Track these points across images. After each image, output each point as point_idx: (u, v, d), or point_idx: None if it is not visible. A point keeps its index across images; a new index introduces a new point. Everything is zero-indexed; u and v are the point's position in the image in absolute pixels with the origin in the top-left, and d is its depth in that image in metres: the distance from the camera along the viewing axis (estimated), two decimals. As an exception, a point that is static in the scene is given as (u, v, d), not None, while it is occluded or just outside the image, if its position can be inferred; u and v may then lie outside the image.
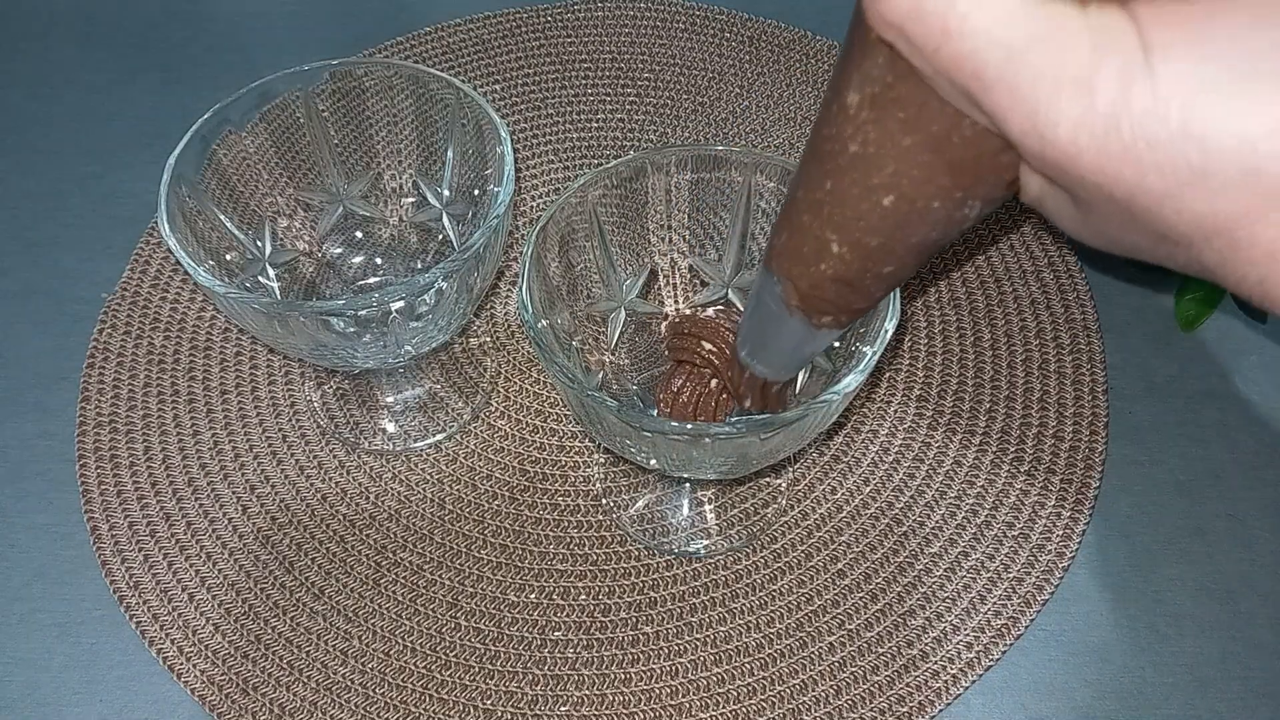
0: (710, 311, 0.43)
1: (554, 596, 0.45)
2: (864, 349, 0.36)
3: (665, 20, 0.66)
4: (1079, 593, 0.45)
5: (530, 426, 0.50)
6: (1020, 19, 0.18)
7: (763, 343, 0.33)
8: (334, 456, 0.49)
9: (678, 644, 0.43)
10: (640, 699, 0.42)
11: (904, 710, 0.41)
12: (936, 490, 0.47)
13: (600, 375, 0.42)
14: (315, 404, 0.50)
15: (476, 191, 0.45)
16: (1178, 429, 0.49)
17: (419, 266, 0.48)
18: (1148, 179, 0.18)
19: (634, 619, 0.44)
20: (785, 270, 0.29)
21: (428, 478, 0.48)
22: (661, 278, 0.44)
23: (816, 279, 0.28)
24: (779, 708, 0.42)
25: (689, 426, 0.33)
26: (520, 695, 0.42)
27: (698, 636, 0.43)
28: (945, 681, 0.42)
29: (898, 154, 0.23)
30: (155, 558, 0.46)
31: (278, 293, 0.45)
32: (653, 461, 0.36)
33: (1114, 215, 0.20)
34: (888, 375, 0.51)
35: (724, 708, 0.42)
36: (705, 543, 0.46)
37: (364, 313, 0.38)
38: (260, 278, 0.45)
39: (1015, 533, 0.46)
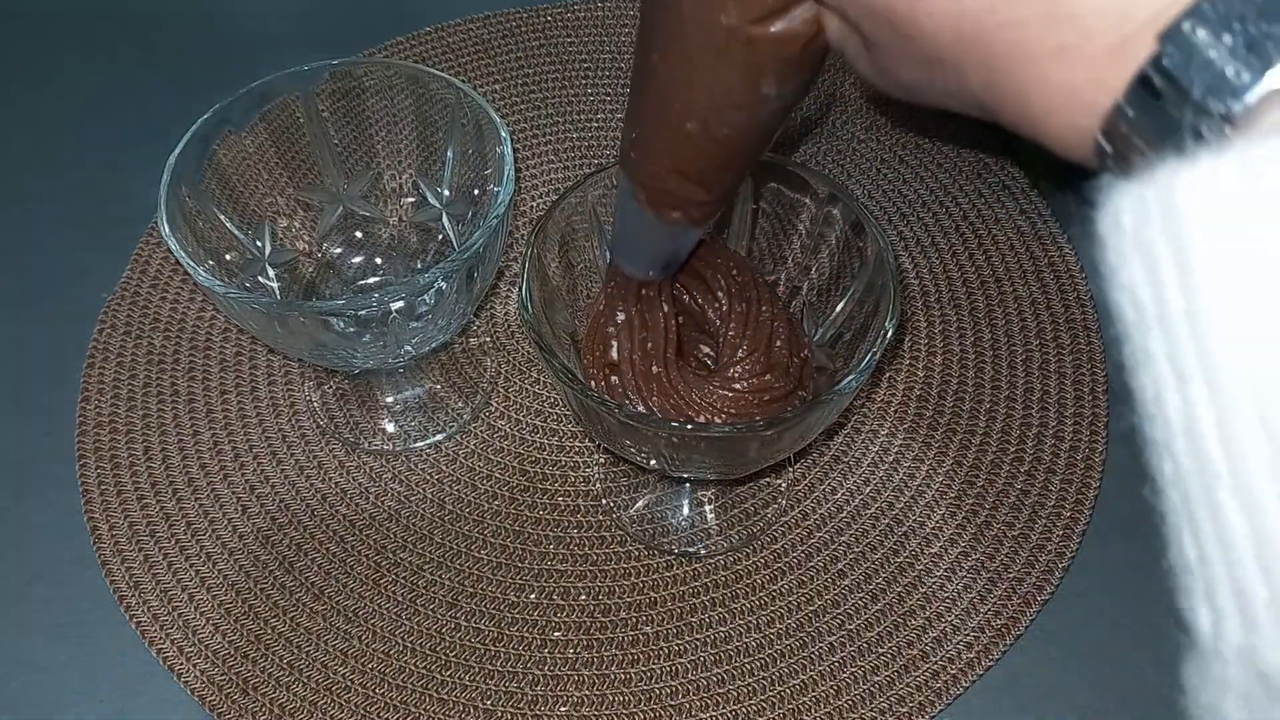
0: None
1: (554, 596, 0.45)
2: (864, 349, 0.36)
3: (665, 20, 0.66)
4: (1079, 593, 0.44)
5: (530, 426, 0.50)
6: None
7: (627, 241, 0.35)
8: (334, 456, 0.49)
9: (678, 644, 0.43)
10: (640, 699, 0.42)
11: (904, 710, 0.41)
12: (936, 490, 0.47)
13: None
14: (315, 404, 0.50)
15: (476, 191, 0.45)
16: (1178, 429, 0.49)
17: (419, 266, 0.48)
18: None
19: (634, 619, 0.44)
20: (628, 168, 0.31)
21: (428, 478, 0.48)
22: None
23: (654, 173, 0.30)
24: (779, 708, 0.42)
25: (689, 426, 0.33)
26: (520, 695, 0.42)
27: (698, 636, 0.43)
28: (945, 681, 0.42)
29: (684, 66, 0.26)
30: (155, 558, 0.46)
31: (278, 293, 0.45)
32: (653, 462, 0.36)
33: (887, 42, 0.22)
34: (888, 375, 0.51)
35: (724, 708, 0.42)
36: (705, 543, 0.46)
37: (364, 313, 0.38)
38: (260, 278, 0.45)
39: (1015, 533, 0.46)
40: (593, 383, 0.38)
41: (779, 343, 0.38)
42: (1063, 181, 0.55)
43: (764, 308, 0.38)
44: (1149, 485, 0.19)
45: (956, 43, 0.21)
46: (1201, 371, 0.18)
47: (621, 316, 0.38)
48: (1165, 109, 0.18)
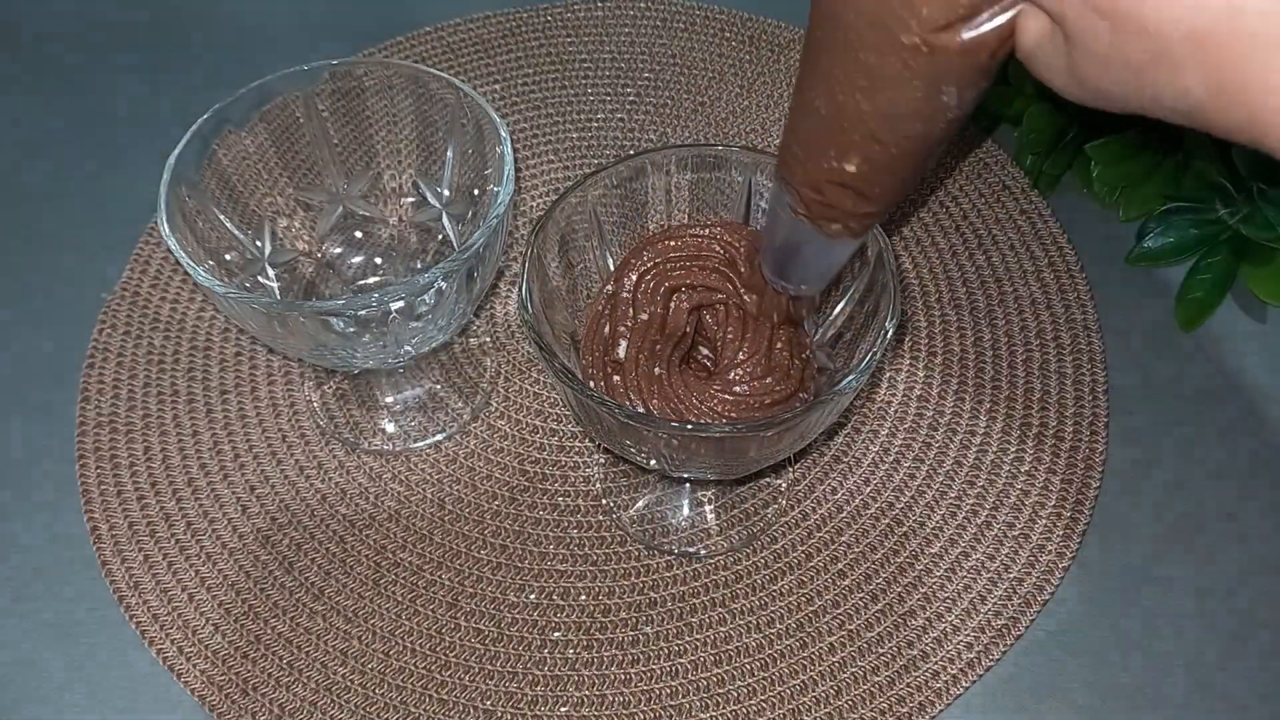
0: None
1: (554, 596, 0.45)
2: (864, 349, 0.36)
3: (665, 20, 0.66)
4: (1079, 593, 0.44)
5: (530, 426, 0.50)
6: None
7: (782, 256, 0.33)
8: (334, 457, 0.49)
9: (678, 644, 0.43)
10: (640, 699, 0.42)
11: (904, 710, 0.41)
12: (937, 490, 0.47)
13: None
14: (315, 404, 0.50)
15: (476, 191, 0.45)
16: (1178, 429, 0.49)
17: (419, 266, 0.48)
18: None
19: (634, 619, 0.44)
20: (789, 177, 0.29)
21: (428, 478, 0.48)
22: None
23: (815, 185, 0.28)
24: (779, 708, 0.42)
25: (689, 426, 0.33)
26: (520, 695, 0.42)
27: (698, 636, 0.43)
28: (946, 682, 0.42)
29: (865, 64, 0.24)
30: (155, 558, 0.46)
31: (277, 293, 0.45)
32: (653, 462, 0.36)
33: (1099, 43, 0.21)
34: (888, 375, 0.51)
35: (724, 708, 0.42)
36: (705, 543, 0.46)
37: (364, 313, 0.38)
38: (260, 278, 0.45)
39: (1015, 533, 0.46)
40: (591, 383, 0.38)
41: (779, 345, 0.38)
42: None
43: None
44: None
45: (1188, 38, 0.19)
46: None
47: (644, 316, 0.37)
48: None
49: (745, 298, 0.38)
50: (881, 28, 0.23)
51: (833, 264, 0.33)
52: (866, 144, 0.26)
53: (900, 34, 0.23)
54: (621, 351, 0.37)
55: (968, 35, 0.23)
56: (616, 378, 0.37)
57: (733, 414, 0.36)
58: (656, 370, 0.36)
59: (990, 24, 0.23)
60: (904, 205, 0.57)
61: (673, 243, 0.39)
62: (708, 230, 0.39)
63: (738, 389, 0.36)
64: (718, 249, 0.38)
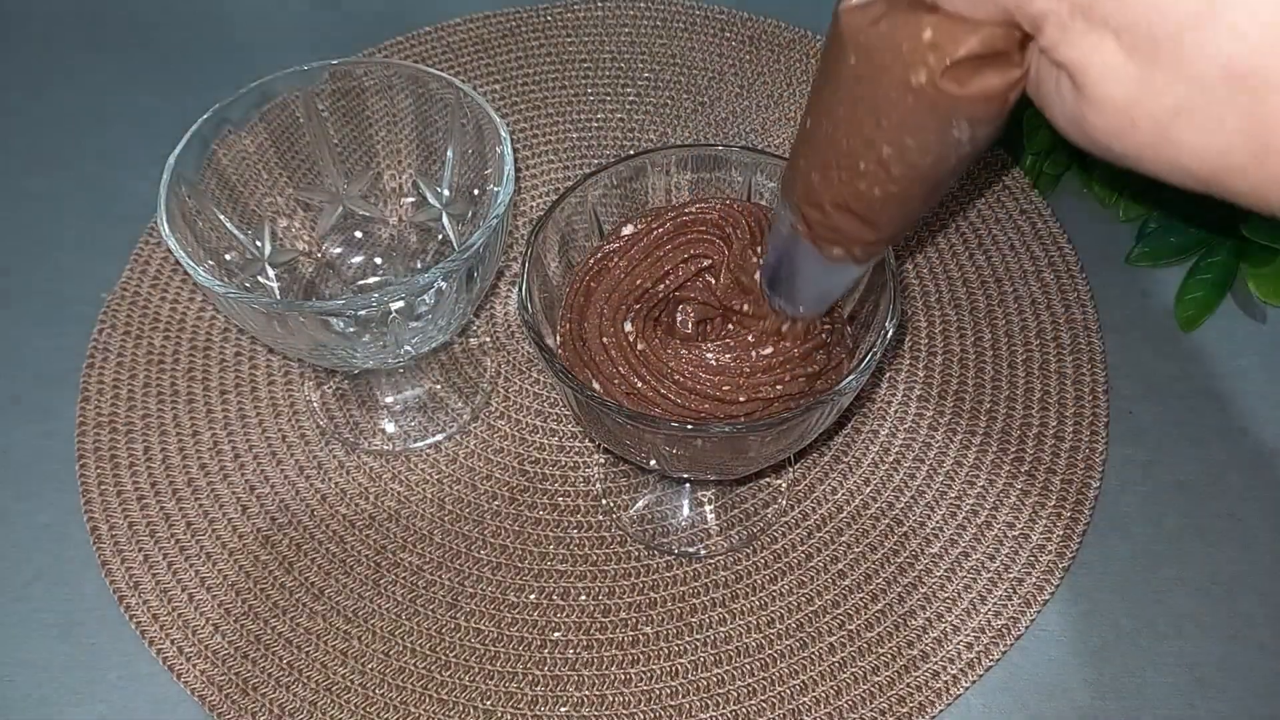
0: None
1: (554, 596, 0.45)
2: (864, 349, 0.36)
3: (665, 20, 0.66)
4: (1079, 593, 0.44)
5: (530, 426, 0.50)
6: None
7: (782, 276, 0.33)
8: (334, 457, 0.49)
9: (678, 644, 0.43)
10: (640, 699, 0.42)
11: (904, 710, 0.41)
12: (937, 490, 0.47)
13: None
14: (315, 404, 0.50)
15: (476, 191, 0.45)
16: (1177, 429, 0.49)
17: (419, 266, 0.48)
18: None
19: (634, 619, 0.44)
20: (793, 198, 0.29)
21: (427, 478, 0.48)
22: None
23: (819, 206, 0.28)
24: (779, 708, 0.42)
25: (689, 426, 0.33)
26: (520, 695, 0.42)
27: (698, 636, 0.43)
28: (946, 682, 0.42)
29: (875, 101, 0.24)
30: (155, 558, 0.46)
31: (277, 293, 0.45)
32: (653, 462, 0.36)
33: (1122, 90, 0.19)
34: (888, 375, 0.51)
35: (724, 708, 0.42)
36: (705, 543, 0.46)
37: (364, 313, 0.38)
38: (260, 278, 0.45)
39: (1015, 533, 0.46)
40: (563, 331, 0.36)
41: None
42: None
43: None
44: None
45: (1225, 81, 0.18)
46: None
47: (625, 275, 0.37)
48: None
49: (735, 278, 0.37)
50: (893, 69, 0.23)
51: (832, 289, 0.32)
52: (874, 172, 0.25)
53: (910, 76, 0.23)
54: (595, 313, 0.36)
55: (977, 83, 0.22)
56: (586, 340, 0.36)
57: (705, 381, 0.35)
58: (628, 327, 0.35)
59: (999, 75, 0.22)
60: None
61: (667, 213, 0.38)
62: (704, 205, 0.38)
63: (724, 357, 0.35)
64: (714, 216, 0.38)
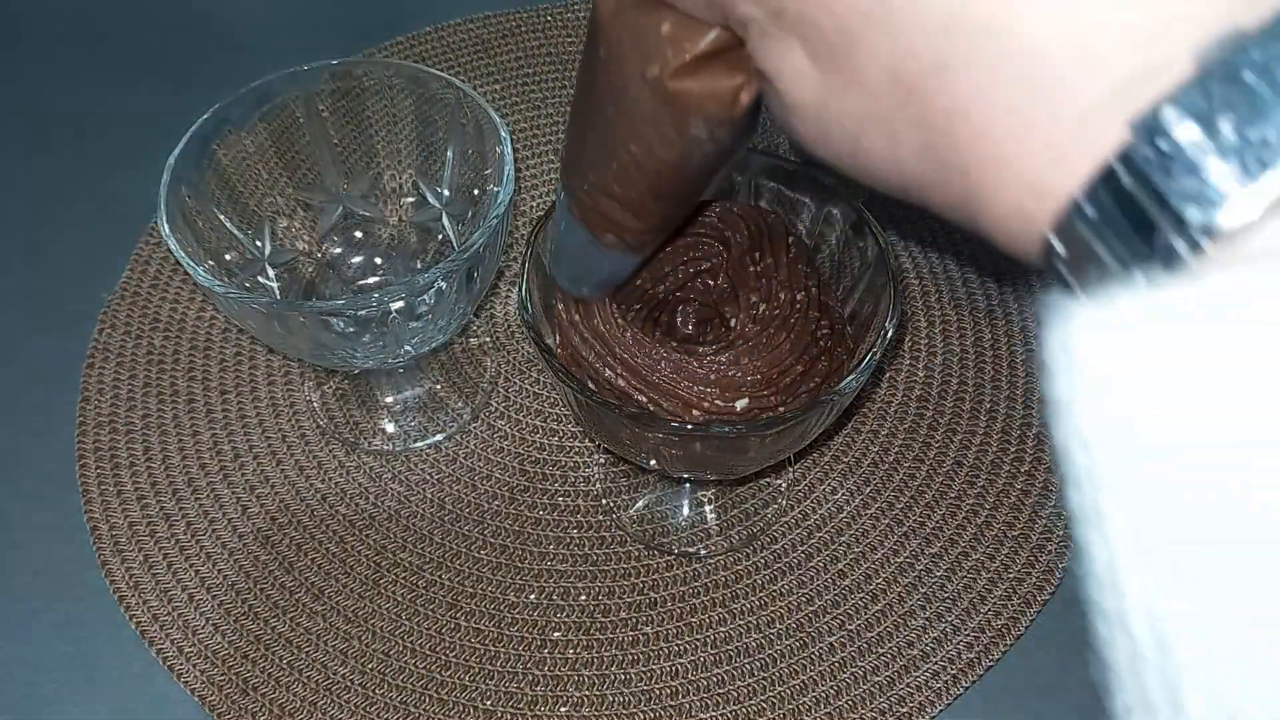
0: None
1: (554, 596, 0.45)
2: (864, 349, 0.36)
3: (665, 20, 0.66)
4: (1079, 593, 0.44)
5: (530, 426, 0.50)
6: None
7: (559, 253, 0.34)
8: (334, 457, 0.49)
9: (678, 644, 0.43)
10: (640, 699, 0.42)
11: (904, 710, 0.41)
12: (936, 490, 0.47)
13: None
14: (315, 404, 0.50)
15: (476, 191, 0.45)
16: (1178, 429, 0.49)
17: (419, 266, 0.48)
18: None
19: (634, 619, 0.44)
20: (565, 180, 0.30)
21: (428, 478, 0.48)
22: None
23: (586, 190, 0.29)
24: (779, 708, 0.42)
25: (689, 426, 0.33)
26: (520, 695, 0.42)
27: (698, 636, 0.43)
28: (945, 682, 0.42)
29: (613, 96, 0.25)
30: (155, 558, 0.46)
31: (277, 293, 0.45)
32: (653, 462, 0.36)
33: (812, 100, 0.19)
34: (888, 375, 0.51)
35: (724, 708, 0.42)
36: (705, 543, 0.46)
37: (364, 313, 0.38)
38: (260, 278, 0.45)
39: (1015, 533, 0.46)
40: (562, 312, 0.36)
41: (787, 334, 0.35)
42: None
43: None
44: (1090, 657, 0.16)
45: (892, 89, 0.18)
46: (1169, 544, 0.14)
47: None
48: (1132, 213, 0.15)
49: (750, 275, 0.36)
50: (632, 60, 0.24)
51: (611, 273, 0.33)
52: (626, 163, 0.26)
53: (646, 69, 0.23)
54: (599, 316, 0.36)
55: (699, 84, 0.23)
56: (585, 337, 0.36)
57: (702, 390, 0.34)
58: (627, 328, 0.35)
59: (727, 77, 0.23)
60: (904, 206, 0.57)
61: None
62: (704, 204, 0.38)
63: (716, 368, 0.34)
64: (713, 219, 0.38)
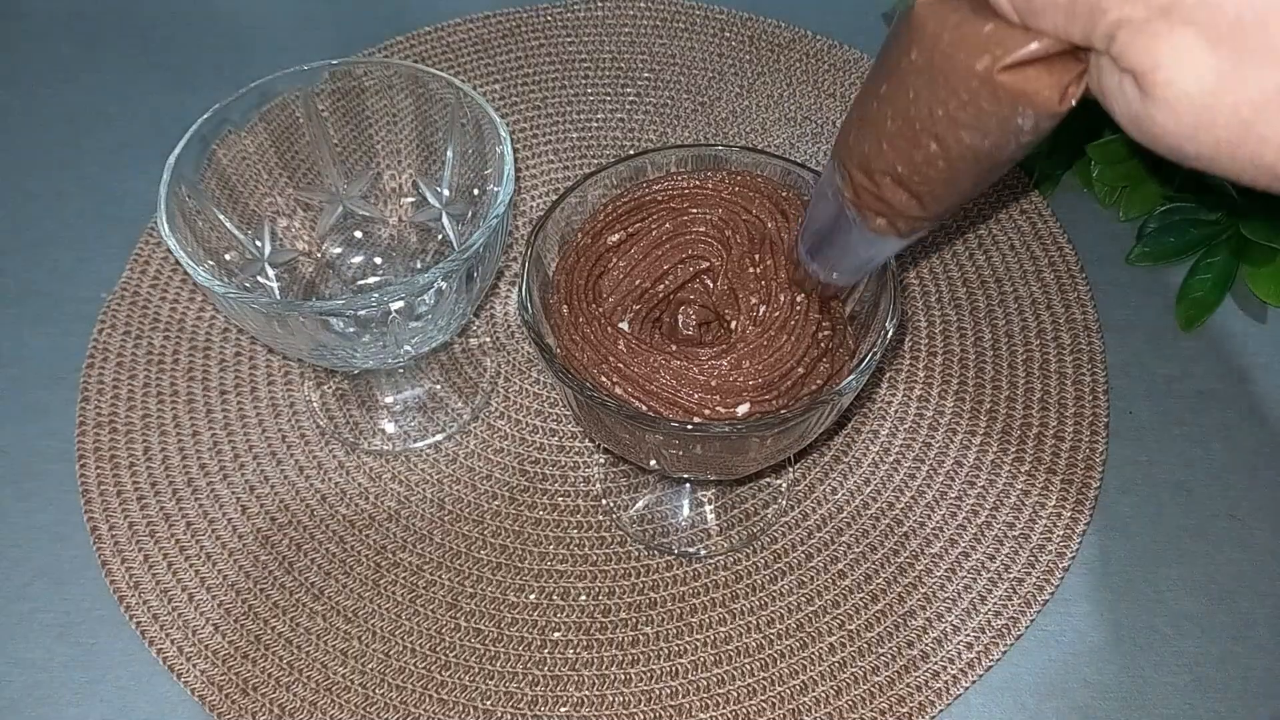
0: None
1: (554, 597, 0.45)
2: (864, 349, 0.36)
3: (665, 20, 0.66)
4: (1079, 593, 0.44)
5: (530, 426, 0.50)
6: None
7: (820, 238, 0.32)
8: (334, 457, 0.49)
9: (678, 644, 0.43)
10: (640, 699, 0.42)
11: (904, 710, 0.41)
12: (937, 490, 0.47)
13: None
14: (315, 404, 0.50)
15: (476, 191, 0.45)
16: (1178, 429, 0.49)
17: (419, 266, 0.48)
18: None
19: (634, 619, 0.44)
20: (843, 159, 0.29)
21: (427, 478, 0.48)
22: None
23: (870, 173, 0.28)
24: (779, 708, 0.42)
25: (689, 426, 0.33)
26: (520, 695, 0.42)
27: (698, 636, 0.43)
28: (946, 682, 0.42)
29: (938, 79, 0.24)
30: (155, 558, 0.46)
31: (277, 293, 0.45)
32: (653, 462, 0.36)
33: (1201, 88, 0.19)
34: (888, 375, 0.51)
35: (724, 708, 0.42)
36: (705, 543, 0.46)
37: (364, 313, 0.38)
38: (260, 278, 0.45)
39: (1016, 533, 0.46)
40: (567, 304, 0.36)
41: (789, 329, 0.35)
42: None
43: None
44: None
45: None
46: None
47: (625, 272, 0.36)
48: None
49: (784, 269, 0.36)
50: (956, 52, 0.23)
51: (871, 259, 0.32)
52: (931, 148, 0.26)
53: (974, 61, 0.23)
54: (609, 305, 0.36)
55: (1029, 80, 0.23)
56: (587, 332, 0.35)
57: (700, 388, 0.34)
58: (624, 328, 0.35)
59: (1060, 73, 0.22)
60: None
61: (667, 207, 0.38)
62: (705, 193, 0.37)
63: (716, 371, 0.34)
64: (714, 218, 0.37)
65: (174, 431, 0.49)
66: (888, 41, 0.26)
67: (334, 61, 0.45)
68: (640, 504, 0.47)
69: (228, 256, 0.43)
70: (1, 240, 0.57)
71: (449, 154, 0.46)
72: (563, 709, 0.42)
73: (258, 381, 0.51)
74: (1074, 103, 0.23)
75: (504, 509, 0.47)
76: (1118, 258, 0.55)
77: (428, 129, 0.46)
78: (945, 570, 0.45)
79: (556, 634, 0.44)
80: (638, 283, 0.37)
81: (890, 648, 0.43)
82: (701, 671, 0.43)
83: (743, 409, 0.34)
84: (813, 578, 0.45)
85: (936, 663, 0.42)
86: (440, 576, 0.45)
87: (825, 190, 0.31)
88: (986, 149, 0.25)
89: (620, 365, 0.34)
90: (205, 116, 0.42)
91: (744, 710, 0.42)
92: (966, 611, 0.44)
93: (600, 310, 0.35)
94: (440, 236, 0.48)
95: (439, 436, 0.49)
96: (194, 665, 0.43)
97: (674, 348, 0.35)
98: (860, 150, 0.28)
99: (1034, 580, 0.44)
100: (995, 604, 0.44)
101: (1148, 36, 0.19)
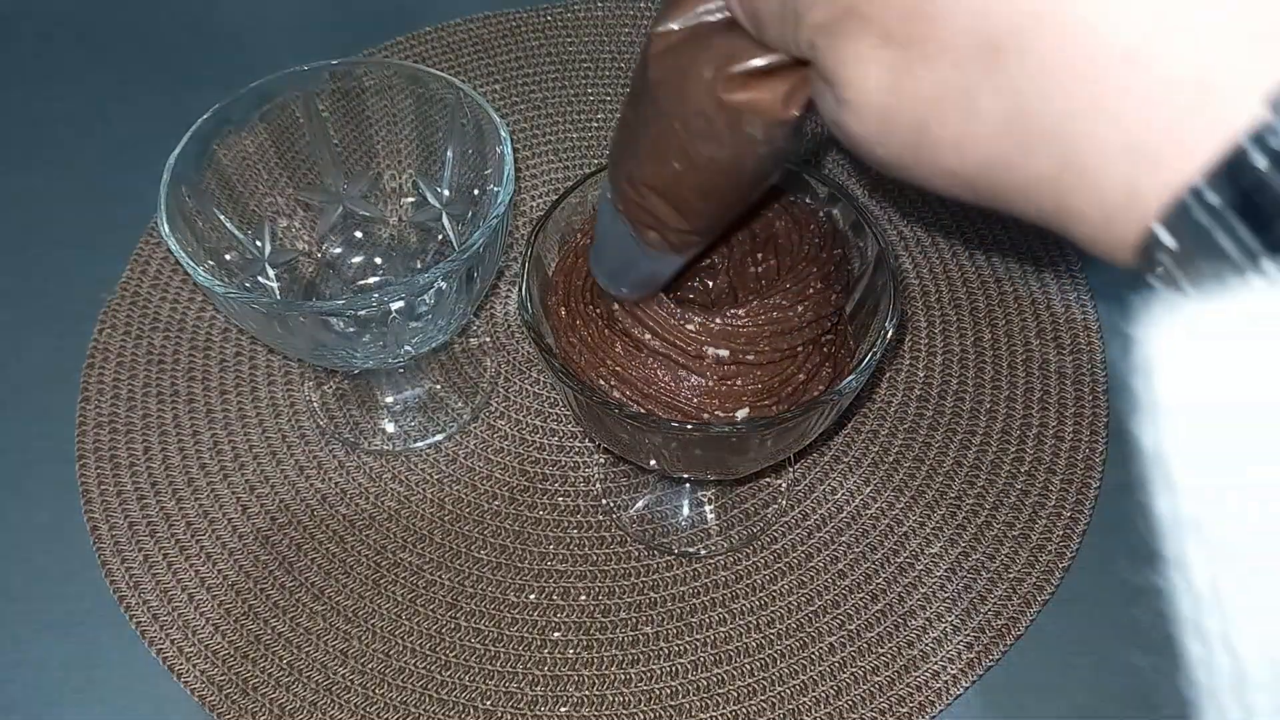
0: None
1: (554, 596, 0.45)
2: (864, 349, 0.36)
3: (665, 20, 0.66)
4: (1079, 593, 0.44)
5: (530, 426, 0.50)
6: None
7: (600, 249, 0.33)
8: (334, 456, 0.49)
9: (678, 644, 0.43)
10: (640, 699, 0.42)
11: (904, 710, 0.41)
12: (937, 490, 0.47)
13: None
14: (315, 404, 0.50)
15: (476, 191, 0.45)
16: (1178, 429, 0.49)
17: (419, 266, 0.48)
18: None
19: (634, 619, 0.44)
20: (611, 173, 0.30)
21: (427, 478, 0.48)
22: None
23: (634, 185, 0.29)
24: (779, 708, 0.42)
25: (689, 427, 0.33)
26: (520, 695, 0.42)
27: (698, 636, 0.43)
28: (946, 682, 0.42)
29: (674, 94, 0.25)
30: (155, 558, 0.46)
31: (277, 293, 0.45)
32: (653, 462, 0.36)
33: (880, 87, 0.18)
34: (888, 375, 0.51)
35: (724, 708, 0.42)
36: (705, 543, 0.46)
37: (364, 313, 0.38)
38: (260, 278, 0.45)
39: (1015, 533, 0.46)
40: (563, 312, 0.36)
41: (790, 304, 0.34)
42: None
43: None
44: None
45: (976, 53, 0.16)
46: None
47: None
48: (1266, 199, 0.14)
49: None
50: (689, 65, 0.24)
51: (652, 275, 0.32)
52: (678, 159, 0.26)
53: (703, 74, 0.24)
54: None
55: (751, 92, 0.23)
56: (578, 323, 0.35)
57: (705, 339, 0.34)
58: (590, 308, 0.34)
59: (769, 89, 0.23)
60: (904, 206, 0.57)
61: None
62: None
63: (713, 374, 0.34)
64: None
65: (174, 431, 0.49)
66: (639, 57, 0.27)
67: (334, 62, 0.45)
68: (640, 504, 0.47)
69: (228, 256, 0.43)
70: (1, 240, 0.57)
71: (449, 154, 0.46)
72: (563, 709, 0.42)
73: (258, 381, 0.51)
74: (797, 111, 0.24)
75: (504, 509, 0.47)
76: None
77: (428, 129, 0.46)
78: (945, 570, 0.45)
79: (556, 634, 0.44)
80: None
81: (890, 648, 0.43)
82: (701, 671, 0.43)
83: (742, 413, 0.34)
84: (813, 578, 0.45)
85: (936, 663, 0.42)
86: (440, 576, 0.45)
87: (604, 207, 0.31)
88: (728, 159, 0.26)
89: (618, 369, 0.34)
90: (205, 116, 0.42)
91: (744, 710, 0.42)
92: (966, 611, 0.44)
93: (598, 312, 0.35)
94: (440, 236, 0.48)
95: (439, 436, 0.49)
96: (194, 665, 0.43)
97: (672, 306, 0.34)
98: (626, 164, 0.28)
99: (1034, 580, 0.44)
100: (995, 604, 0.44)
101: (836, 38, 0.19)
